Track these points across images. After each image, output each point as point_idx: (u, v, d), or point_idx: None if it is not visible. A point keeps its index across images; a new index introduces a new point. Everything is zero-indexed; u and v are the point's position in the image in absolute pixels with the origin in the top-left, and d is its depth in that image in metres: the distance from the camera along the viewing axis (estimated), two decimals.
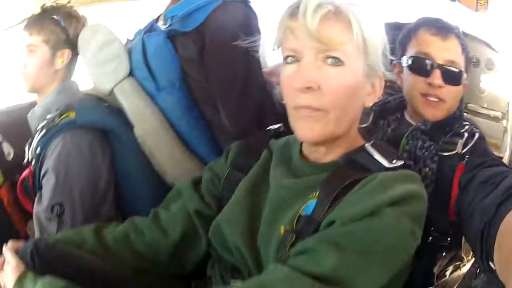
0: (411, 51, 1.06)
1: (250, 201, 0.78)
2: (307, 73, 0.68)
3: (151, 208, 0.91)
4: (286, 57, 0.72)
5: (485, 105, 1.31)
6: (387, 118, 1.12)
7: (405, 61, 1.06)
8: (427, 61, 1.01)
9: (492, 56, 1.32)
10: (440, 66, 1.00)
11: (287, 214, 0.72)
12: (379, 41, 0.72)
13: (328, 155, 0.76)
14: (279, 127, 0.91)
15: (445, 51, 1.01)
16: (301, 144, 0.81)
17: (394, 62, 1.11)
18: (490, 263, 0.59)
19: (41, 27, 1.22)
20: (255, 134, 0.93)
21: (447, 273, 1.27)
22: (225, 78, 1.08)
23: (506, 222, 0.57)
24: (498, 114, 1.32)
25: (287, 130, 0.88)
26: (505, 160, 1.28)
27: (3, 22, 1.44)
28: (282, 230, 0.70)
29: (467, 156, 0.93)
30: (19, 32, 1.26)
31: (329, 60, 0.68)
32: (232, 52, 1.03)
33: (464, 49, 1.04)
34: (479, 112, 1.31)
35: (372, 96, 0.76)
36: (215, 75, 1.08)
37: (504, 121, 1.33)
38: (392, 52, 0.77)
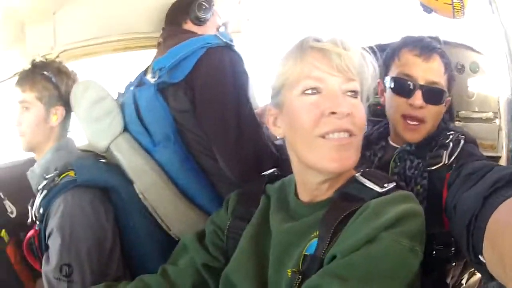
0: (394, 71, 1.06)
1: (256, 249, 0.80)
2: (343, 100, 0.73)
3: (159, 262, 0.91)
4: (305, 89, 0.74)
5: (476, 109, 1.32)
6: (372, 148, 1.13)
7: (388, 82, 1.07)
8: (408, 82, 1.01)
9: (476, 59, 1.34)
10: (422, 87, 1.01)
11: (292, 256, 0.74)
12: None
13: (327, 191, 0.78)
14: (273, 171, 0.93)
15: (427, 72, 1.01)
16: (295, 185, 0.82)
17: (378, 81, 1.13)
18: (480, 256, 0.59)
19: (32, 82, 1.22)
20: (256, 176, 0.94)
21: (463, 281, 1.27)
22: (218, 125, 1.09)
23: (497, 220, 0.56)
24: (490, 114, 1.33)
25: (282, 173, 0.90)
26: (503, 159, 1.29)
27: None
28: (289, 273, 0.72)
29: (454, 165, 0.93)
30: (10, 87, 1.26)
31: (349, 93, 0.74)
32: (222, 98, 1.05)
33: (447, 68, 1.05)
34: (471, 118, 1.32)
35: None
36: (209, 123, 1.10)
37: (497, 120, 1.34)
38: None
